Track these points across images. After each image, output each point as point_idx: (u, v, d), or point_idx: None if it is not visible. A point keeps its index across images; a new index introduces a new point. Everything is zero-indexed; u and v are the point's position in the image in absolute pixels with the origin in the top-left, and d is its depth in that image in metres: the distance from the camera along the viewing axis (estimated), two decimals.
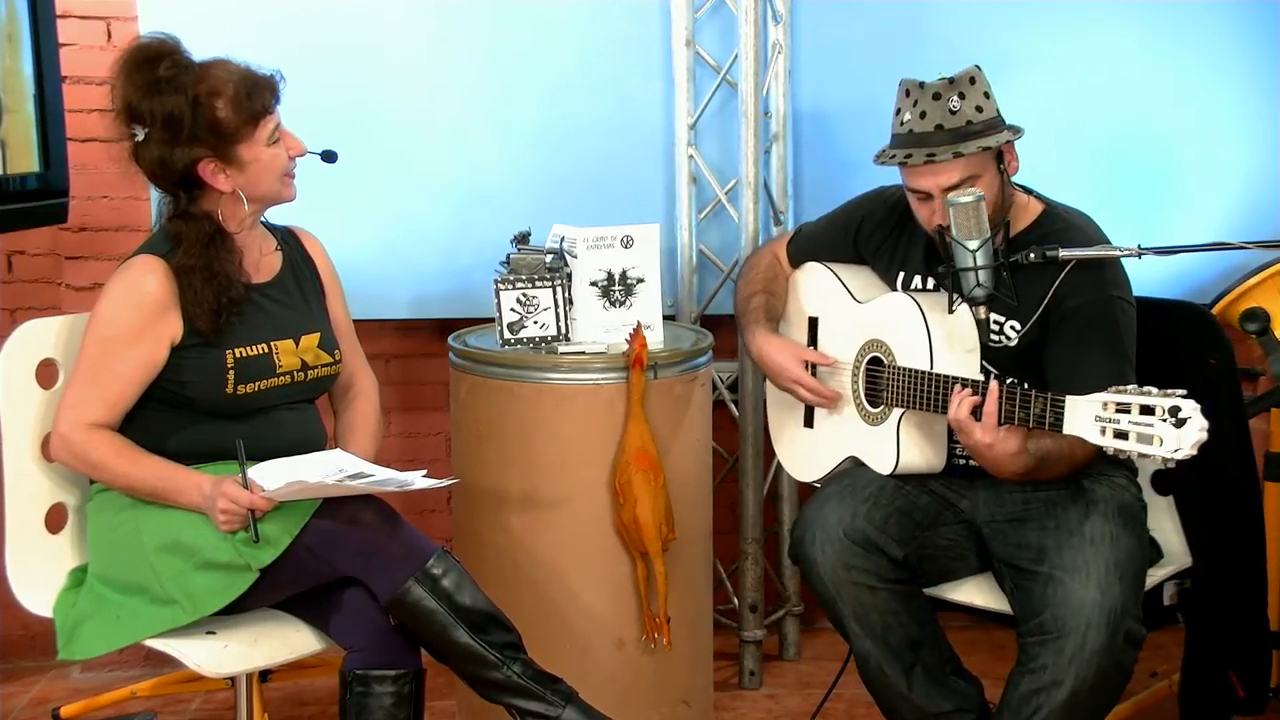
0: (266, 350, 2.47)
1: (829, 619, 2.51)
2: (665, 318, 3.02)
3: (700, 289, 3.41)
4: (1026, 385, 2.30)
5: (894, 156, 2.41)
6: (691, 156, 3.33)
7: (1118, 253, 2.35)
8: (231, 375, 2.42)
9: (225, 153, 2.40)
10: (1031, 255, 2.37)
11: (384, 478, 2.35)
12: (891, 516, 2.45)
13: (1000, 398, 2.25)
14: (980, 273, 2.35)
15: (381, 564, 2.31)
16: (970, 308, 2.39)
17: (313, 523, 2.30)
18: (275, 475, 2.31)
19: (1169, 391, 2.04)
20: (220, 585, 2.31)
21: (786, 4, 3.29)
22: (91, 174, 3.17)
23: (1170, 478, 2.64)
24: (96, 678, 3.33)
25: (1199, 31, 3.36)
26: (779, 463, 3.38)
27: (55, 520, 2.54)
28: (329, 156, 2.58)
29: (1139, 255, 2.35)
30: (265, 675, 2.84)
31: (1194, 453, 2.02)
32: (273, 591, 2.38)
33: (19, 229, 3.03)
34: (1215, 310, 2.88)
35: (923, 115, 2.38)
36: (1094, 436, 2.12)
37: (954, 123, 2.37)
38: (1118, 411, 2.08)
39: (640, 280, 2.93)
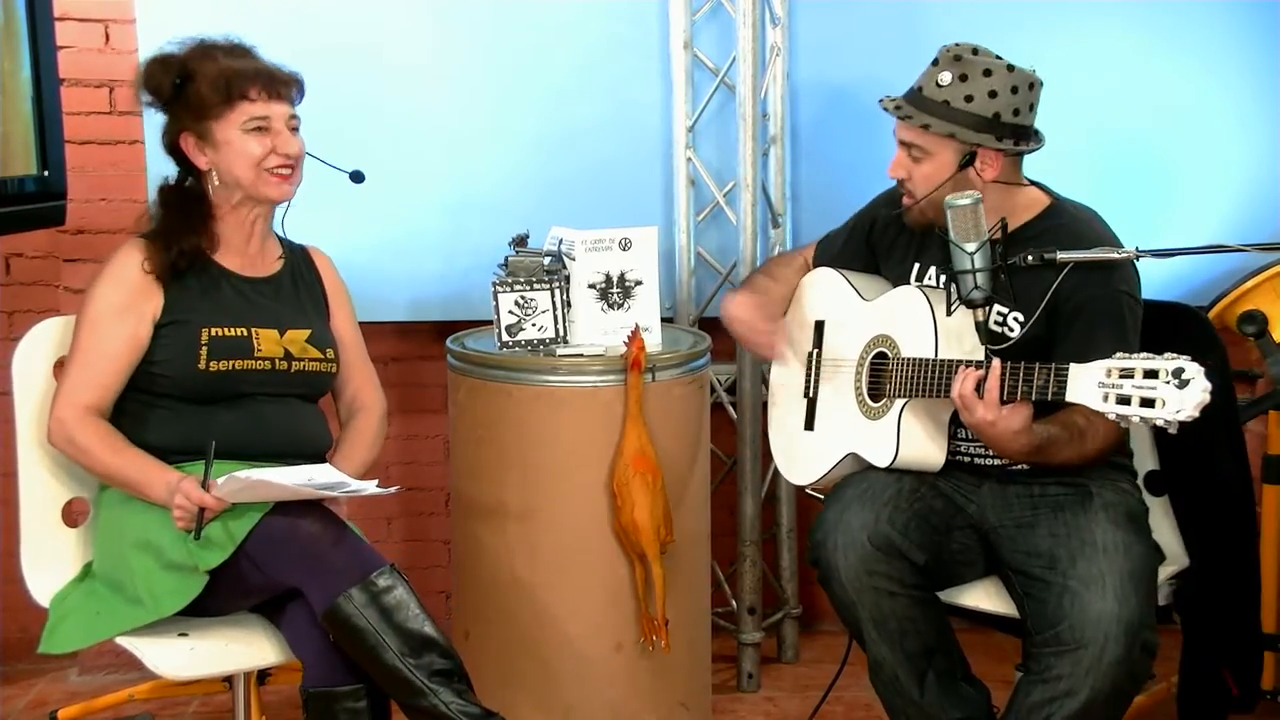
0: (246, 334, 2.47)
1: (845, 624, 2.49)
2: (663, 320, 3.01)
3: (698, 291, 3.41)
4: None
5: (890, 98, 2.54)
6: (689, 159, 3.33)
7: (1116, 256, 2.36)
8: (204, 351, 2.42)
9: (200, 129, 2.46)
10: (1029, 258, 2.37)
11: (336, 481, 2.31)
12: (912, 520, 2.44)
13: (1003, 374, 2.27)
14: (978, 275, 2.37)
15: (318, 576, 2.25)
16: (969, 310, 2.40)
17: (257, 530, 2.28)
18: (242, 479, 2.27)
19: (1172, 355, 2.06)
20: (178, 586, 2.30)
21: (785, 6, 3.29)
22: (90, 176, 3.17)
23: (1164, 479, 2.64)
24: (94, 680, 3.32)
25: (1198, 33, 3.35)
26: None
27: (76, 516, 2.55)
28: (357, 177, 2.63)
29: (1137, 258, 2.36)
30: (263, 677, 2.84)
31: (1196, 414, 2.04)
32: (235, 598, 2.36)
33: (17, 231, 3.03)
34: (1213, 312, 2.88)
35: (922, 74, 2.49)
36: (1096, 403, 2.14)
37: (932, 94, 2.45)
38: (1121, 377, 2.11)
39: (638, 283, 2.93)
